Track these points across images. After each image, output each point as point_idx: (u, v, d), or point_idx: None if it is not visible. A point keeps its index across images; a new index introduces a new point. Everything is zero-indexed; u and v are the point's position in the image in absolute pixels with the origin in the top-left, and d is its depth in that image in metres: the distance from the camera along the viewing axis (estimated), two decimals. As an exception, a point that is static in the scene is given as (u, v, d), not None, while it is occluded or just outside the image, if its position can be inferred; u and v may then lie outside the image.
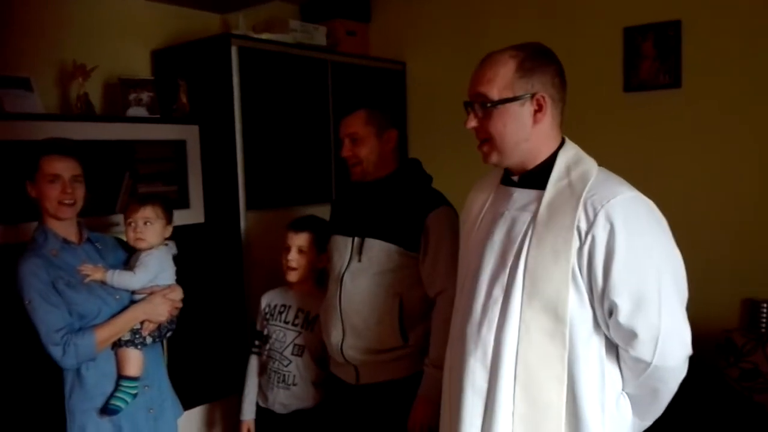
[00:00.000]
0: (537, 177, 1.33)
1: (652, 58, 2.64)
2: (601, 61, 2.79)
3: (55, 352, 1.70)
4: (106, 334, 1.78)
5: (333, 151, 3.05)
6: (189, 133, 2.69)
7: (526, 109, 1.29)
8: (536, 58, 1.30)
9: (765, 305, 2.41)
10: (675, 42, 2.58)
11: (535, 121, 1.30)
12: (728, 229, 2.50)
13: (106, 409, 1.78)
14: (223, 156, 2.70)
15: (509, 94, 1.28)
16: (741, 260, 2.48)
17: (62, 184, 1.79)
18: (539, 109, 1.29)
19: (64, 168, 1.80)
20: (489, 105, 1.30)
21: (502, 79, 1.29)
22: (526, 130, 1.30)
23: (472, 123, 1.34)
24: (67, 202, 1.80)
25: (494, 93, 1.29)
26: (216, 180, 2.74)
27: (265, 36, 2.82)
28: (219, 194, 2.73)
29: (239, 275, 2.69)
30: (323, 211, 2.84)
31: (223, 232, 2.74)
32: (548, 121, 1.32)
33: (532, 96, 1.29)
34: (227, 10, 3.14)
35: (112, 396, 1.80)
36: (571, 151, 1.34)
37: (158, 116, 2.66)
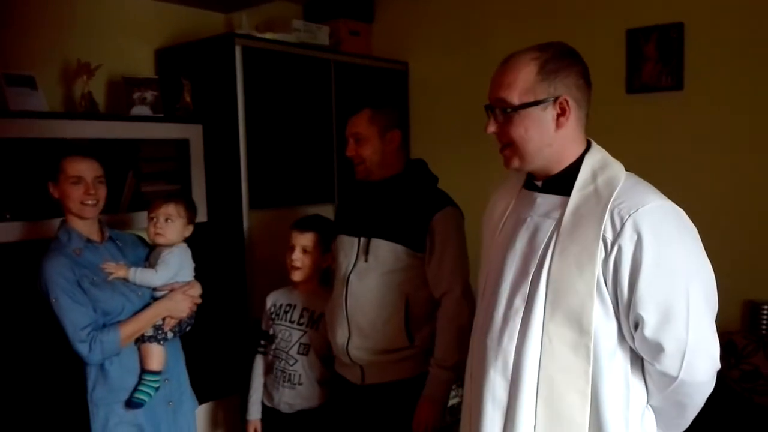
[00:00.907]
0: (561, 182, 1.28)
1: (655, 60, 2.65)
2: (603, 62, 2.79)
3: (82, 348, 1.76)
4: (130, 330, 1.85)
5: (336, 150, 3.06)
6: (192, 133, 2.69)
7: (549, 113, 1.24)
8: (559, 60, 1.24)
9: (766, 307, 2.42)
10: (677, 44, 2.59)
11: (558, 126, 1.24)
12: (730, 231, 2.50)
13: (130, 403, 1.85)
14: (226, 155, 2.71)
15: (530, 99, 1.23)
16: (742, 262, 2.49)
17: (85, 185, 1.85)
18: (562, 113, 1.24)
19: (86, 169, 1.87)
20: (509, 110, 1.24)
21: (523, 83, 1.23)
22: (549, 134, 1.25)
23: (492, 128, 1.28)
24: (90, 202, 1.87)
25: (515, 97, 1.23)
26: (219, 179, 2.75)
27: (268, 35, 2.83)
28: (222, 193, 2.74)
29: (242, 274, 2.70)
30: (325, 211, 2.84)
31: (225, 231, 2.75)
32: (572, 125, 1.26)
33: (555, 99, 1.23)
34: (230, 10, 3.15)
35: (135, 390, 1.86)
36: (597, 155, 1.29)
37: (162, 115, 2.66)
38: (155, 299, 1.95)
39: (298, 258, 2.10)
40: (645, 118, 2.70)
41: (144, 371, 1.89)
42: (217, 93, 2.72)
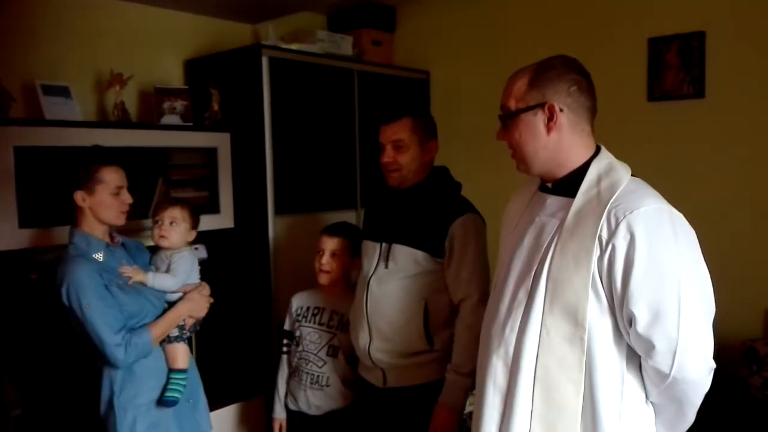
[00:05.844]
0: (569, 185, 1.34)
1: (676, 68, 2.67)
2: (625, 70, 2.82)
3: (118, 352, 1.78)
4: (159, 331, 1.90)
5: (358, 158, 3.12)
6: (220, 141, 2.76)
7: (539, 118, 1.33)
8: (551, 69, 1.33)
9: (789, 314, 2.41)
10: (699, 53, 2.60)
11: (549, 130, 1.33)
12: (752, 238, 2.50)
13: (163, 402, 1.89)
14: (253, 163, 2.77)
15: (522, 105, 1.34)
16: (763, 270, 2.48)
17: (124, 195, 1.89)
18: (551, 117, 1.32)
19: (123, 178, 1.90)
20: (507, 116, 1.37)
21: (517, 91, 1.34)
22: (541, 138, 1.34)
23: (498, 135, 1.41)
24: (126, 210, 1.91)
25: (512, 104, 1.35)
26: (245, 186, 2.81)
27: (294, 46, 2.90)
28: (248, 200, 2.81)
29: (267, 278, 2.76)
30: (348, 217, 2.89)
31: (251, 236, 2.81)
32: (567, 130, 1.33)
33: (543, 105, 1.32)
34: (257, 21, 3.22)
35: (166, 389, 1.91)
36: (604, 161, 1.34)
37: (191, 124, 2.74)
38: (168, 302, 1.99)
39: (327, 262, 2.13)
40: (666, 126, 2.72)
41: (171, 370, 1.93)
42: (244, 102, 2.79)
